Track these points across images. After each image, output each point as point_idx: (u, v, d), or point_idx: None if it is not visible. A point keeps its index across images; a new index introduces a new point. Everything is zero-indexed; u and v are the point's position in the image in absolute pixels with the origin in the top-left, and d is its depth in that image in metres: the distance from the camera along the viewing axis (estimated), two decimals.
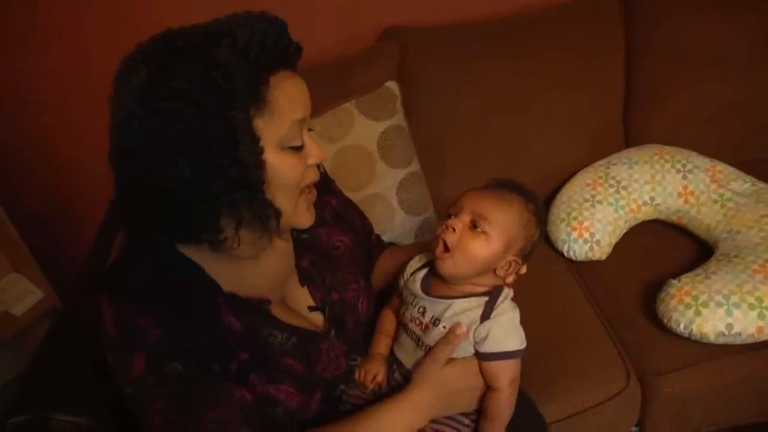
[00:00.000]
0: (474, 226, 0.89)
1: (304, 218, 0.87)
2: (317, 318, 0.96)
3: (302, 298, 0.97)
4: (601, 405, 1.25)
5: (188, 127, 0.70)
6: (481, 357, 0.90)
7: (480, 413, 0.95)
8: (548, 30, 1.71)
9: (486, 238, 0.89)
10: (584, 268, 1.52)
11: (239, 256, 0.85)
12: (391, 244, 1.21)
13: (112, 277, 0.83)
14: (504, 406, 0.91)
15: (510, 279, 0.94)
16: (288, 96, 0.77)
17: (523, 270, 0.95)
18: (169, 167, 0.71)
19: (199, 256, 0.84)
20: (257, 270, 0.90)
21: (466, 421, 0.93)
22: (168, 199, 0.73)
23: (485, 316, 0.89)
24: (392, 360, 0.97)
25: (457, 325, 0.89)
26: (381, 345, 0.99)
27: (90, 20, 1.62)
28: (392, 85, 1.61)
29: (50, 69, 1.67)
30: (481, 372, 0.91)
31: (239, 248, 0.80)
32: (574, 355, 1.30)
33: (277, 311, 0.90)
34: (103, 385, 0.94)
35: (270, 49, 0.74)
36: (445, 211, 0.94)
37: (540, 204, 0.96)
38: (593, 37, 1.71)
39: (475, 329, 0.89)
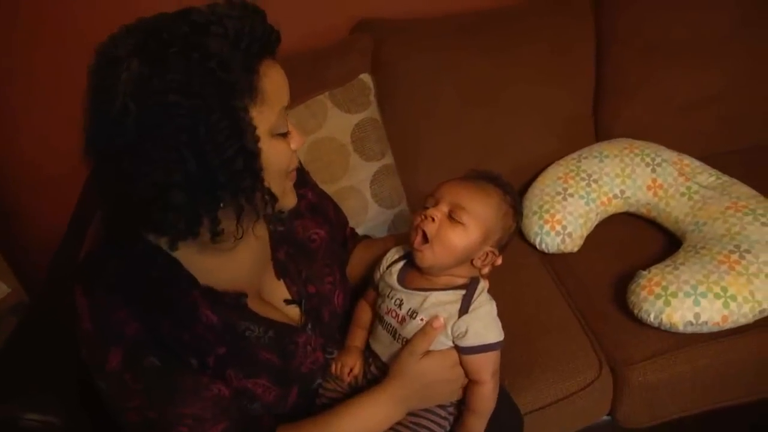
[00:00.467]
0: (452, 216, 0.90)
1: (290, 199, 0.88)
2: (293, 311, 0.96)
3: (278, 291, 0.96)
4: (575, 395, 1.27)
5: (192, 120, 0.69)
6: (462, 351, 0.90)
7: (458, 405, 0.96)
8: (521, 23, 1.72)
9: (464, 228, 0.89)
10: (556, 261, 1.54)
11: (218, 248, 0.84)
12: (366, 236, 1.21)
13: (87, 269, 0.81)
14: (488, 398, 0.92)
15: (486, 270, 0.95)
16: (275, 84, 0.77)
17: (499, 261, 0.95)
18: (174, 162, 0.70)
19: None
20: (234, 263, 0.89)
21: (443, 413, 0.94)
22: (173, 195, 0.71)
23: (463, 310, 0.90)
24: (368, 353, 0.97)
25: (435, 318, 0.89)
26: (357, 338, 0.99)
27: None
28: (366, 77, 1.60)
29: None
30: (463, 366, 0.91)
31: (236, 239, 0.80)
32: (547, 346, 1.31)
33: (253, 305, 0.89)
34: (75, 381, 0.93)
35: (259, 39, 0.73)
36: (423, 201, 0.94)
37: (517, 196, 0.97)
38: (565, 30, 1.73)
39: (454, 324, 0.89)
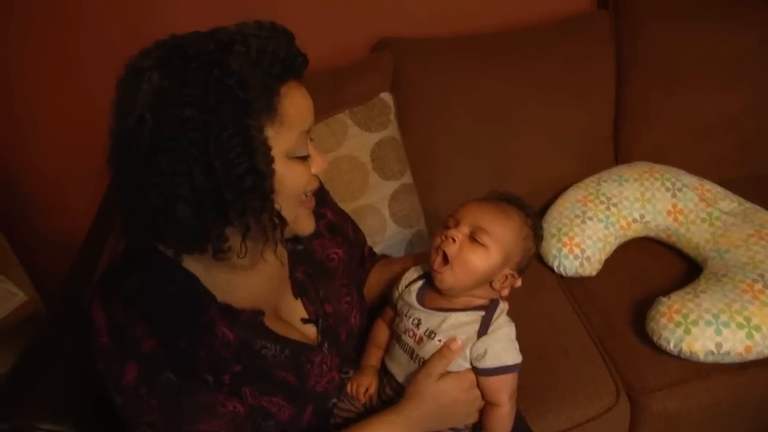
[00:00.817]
0: (474, 237, 0.89)
1: (305, 225, 0.87)
2: (310, 330, 0.96)
3: (296, 310, 0.96)
4: (591, 421, 1.25)
5: (203, 134, 0.69)
6: (480, 373, 0.89)
7: (473, 428, 0.94)
8: (540, 44, 1.72)
9: (485, 250, 0.89)
10: (574, 284, 1.53)
11: (237, 265, 0.84)
12: (384, 256, 1.21)
13: (107, 283, 0.82)
14: (505, 421, 0.91)
15: (505, 292, 0.94)
16: (297, 106, 0.77)
17: (518, 284, 0.95)
18: (182, 175, 0.70)
19: (195, 265, 0.83)
20: (252, 280, 0.89)
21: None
22: (179, 207, 0.72)
23: (482, 331, 0.89)
24: (383, 373, 0.96)
25: (453, 339, 0.88)
26: (373, 357, 0.99)
27: None
28: (386, 96, 1.61)
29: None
30: (481, 388, 0.91)
31: (239, 257, 0.79)
32: (565, 370, 1.30)
33: (270, 323, 0.89)
34: (89, 393, 0.93)
35: (282, 60, 0.74)
36: (444, 222, 0.94)
37: (537, 219, 0.96)
38: (584, 52, 1.73)
39: (473, 346, 0.89)
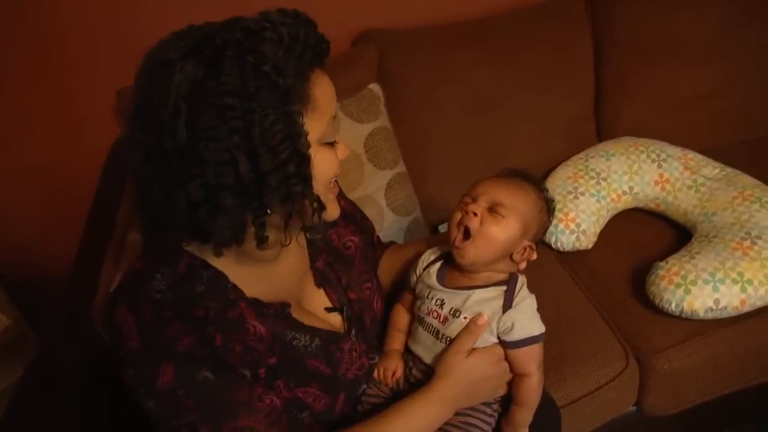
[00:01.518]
0: (493, 211, 0.91)
1: (332, 210, 0.87)
2: (335, 319, 0.97)
3: (319, 299, 0.97)
4: (605, 387, 1.30)
5: (245, 122, 0.69)
6: (508, 346, 0.91)
7: (501, 401, 0.96)
8: (520, 30, 1.76)
9: (505, 221, 0.91)
10: (572, 259, 1.57)
11: (262, 258, 0.84)
12: (392, 242, 1.22)
13: (132, 286, 0.80)
14: (535, 390, 0.93)
15: (523, 265, 0.97)
16: (325, 93, 0.78)
17: (534, 256, 0.97)
18: (227, 164, 0.69)
19: (221, 261, 0.82)
20: (274, 273, 0.90)
21: (489, 411, 0.95)
22: (224, 197, 0.71)
23: (507, 306, 0.91)
24: (408, 357, 0.97)
25: (479, 315, 0.90)
26: (396, 341, 1.00)
27: None
28: (375, 87, 1.62)
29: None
30: (510, 361, 0.93)
31: (283, 245, 0.79)
32: (574, 341, 1.34)
33: (296, 314, 0.89)
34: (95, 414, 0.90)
35: (313, 47, 0.74)
36: (460, 199, 0.96)
37: (549, 193, 0.99)
38: (562, 35, 1.77)
39: (499, 320, 0.90)
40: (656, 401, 1.38)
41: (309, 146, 0.75)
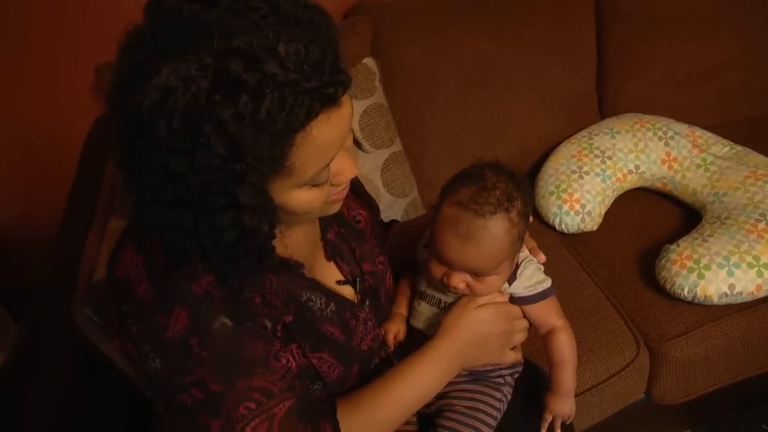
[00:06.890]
0: (474, 275, 0.86)
1: (330, 210, 0.80)
2: (348, 292, 0.91)
3: (330, 272, 0.91)
4: (616, 376, 1.24)
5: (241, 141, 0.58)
6: (524, 302, 0.90)
7: (516, 388, 0.94)
8: (520, 1, 1.67)
9: (492, 277, 0.86)
10: (576, 241, 1.51)
11: (287, 221, 0.77)
12: (394, 221, 1.20)
13: (140, 226, 0.70)
14: (568, 343, 0.91)
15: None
16: (317, 147, 0.64)
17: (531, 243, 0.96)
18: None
19: None
20: (289, 238, 0.82)
21: (499, 395, 0.92)
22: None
23: (512, 277, 0.89)
24: (411, 330, 0.95)
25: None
26: (401, 305, 0.98)
27: None
28: (369, 61, 1.53)
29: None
30: (530, 318, 0.92)
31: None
32: (583, 329, 1.28)
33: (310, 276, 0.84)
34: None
35: (322, 89, 0.61)
36: (435, 266, 0.86)
37: (523, 186, 0.85)
38: (564, 8, 1.69)
39: (506, 291, 0.90)
40: (666, 390, 1.33)
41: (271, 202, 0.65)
